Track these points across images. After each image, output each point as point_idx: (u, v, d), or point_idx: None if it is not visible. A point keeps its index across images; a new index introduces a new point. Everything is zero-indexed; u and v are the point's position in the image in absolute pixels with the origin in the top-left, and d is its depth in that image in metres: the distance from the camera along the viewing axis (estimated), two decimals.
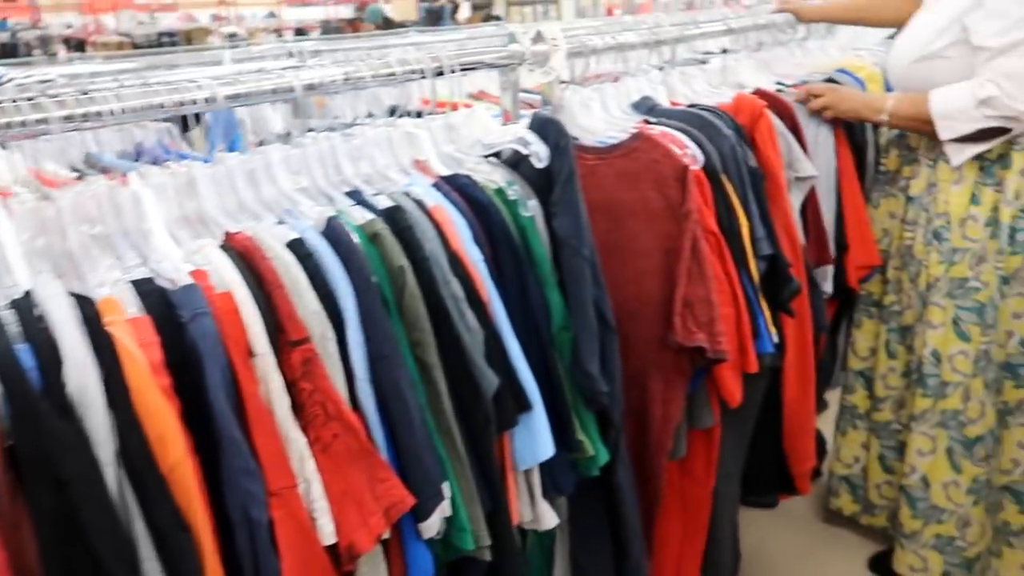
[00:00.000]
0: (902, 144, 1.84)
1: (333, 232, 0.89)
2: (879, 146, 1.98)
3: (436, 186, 1.05)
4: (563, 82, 1.37)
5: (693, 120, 1.36)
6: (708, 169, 1.28)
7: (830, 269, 1.71)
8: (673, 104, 1.55)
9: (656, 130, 1.30)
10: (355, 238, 0.89)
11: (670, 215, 1.24)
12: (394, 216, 0.95)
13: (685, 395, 1.29)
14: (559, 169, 1.10)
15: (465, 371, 0.93)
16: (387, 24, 9.93)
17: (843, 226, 1.78)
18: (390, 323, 0.88)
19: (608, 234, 1.29)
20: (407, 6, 13.70)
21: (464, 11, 16.06)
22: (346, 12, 13.14)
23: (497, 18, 13.06)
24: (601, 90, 1.43)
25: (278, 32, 11.01)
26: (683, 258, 1.21)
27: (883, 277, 1.88)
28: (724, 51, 1.97)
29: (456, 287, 0.94)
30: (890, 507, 1.94)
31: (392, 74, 1.12)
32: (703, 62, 2.25)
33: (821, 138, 1.76)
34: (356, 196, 1.01)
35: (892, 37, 1.97)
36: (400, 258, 0.91)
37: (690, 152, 1.27)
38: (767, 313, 1.33)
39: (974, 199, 1.65)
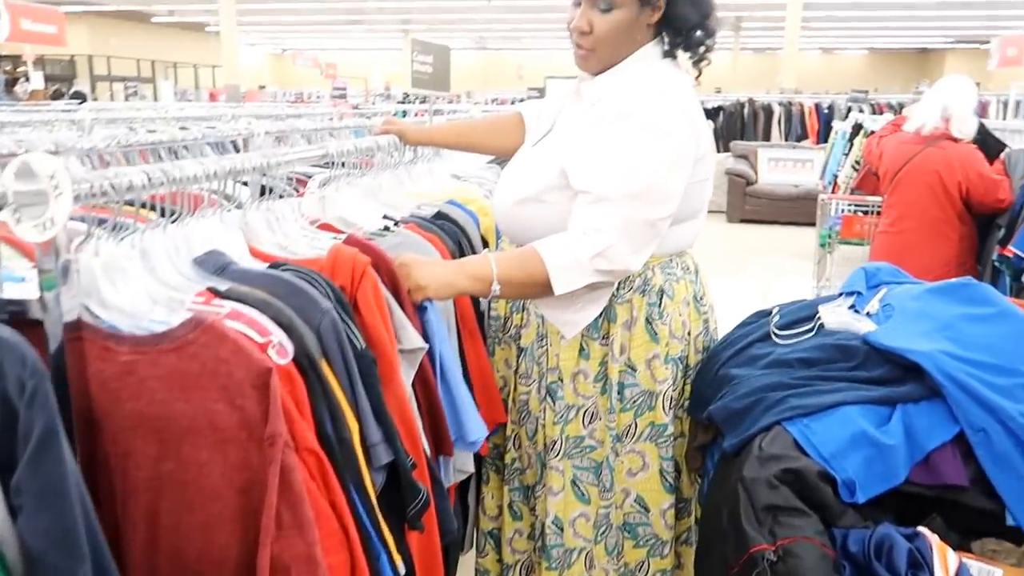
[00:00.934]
0: None
1: None
2: None
3: None
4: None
5: (280, 287, 1.01)
6: (302, 360, 0.94)
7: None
8: (255, 255, 1.19)
9: (225, 308, 0.92)
10: None
11: (247, 436, 0.86)
12: None
13: None
14: (28, 430, 0.65)
15: None
16: None
17: (468, 380, 1.56)
18: None
19: (156, 464, 0.87)
20: None
21: (35, 82, 13.88)
22: None
23: (80, 95, 11.48)
24: (146, 242, 1.01)
25: None
26: (269, 501, 0.83)
27: (503, 432, 1.70)
28: (327, 164, 1.67)
29: None
30: None
31: None
32: (299, 181, 1.96)
33: None
34: None
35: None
36: None
37: (275, 341, 0.91)
38: (390, 542, 1.01)
39: (583, 353, 1.55)
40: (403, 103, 14.51)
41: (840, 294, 1.54)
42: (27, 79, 14.16)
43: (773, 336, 1.51)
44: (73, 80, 21.45)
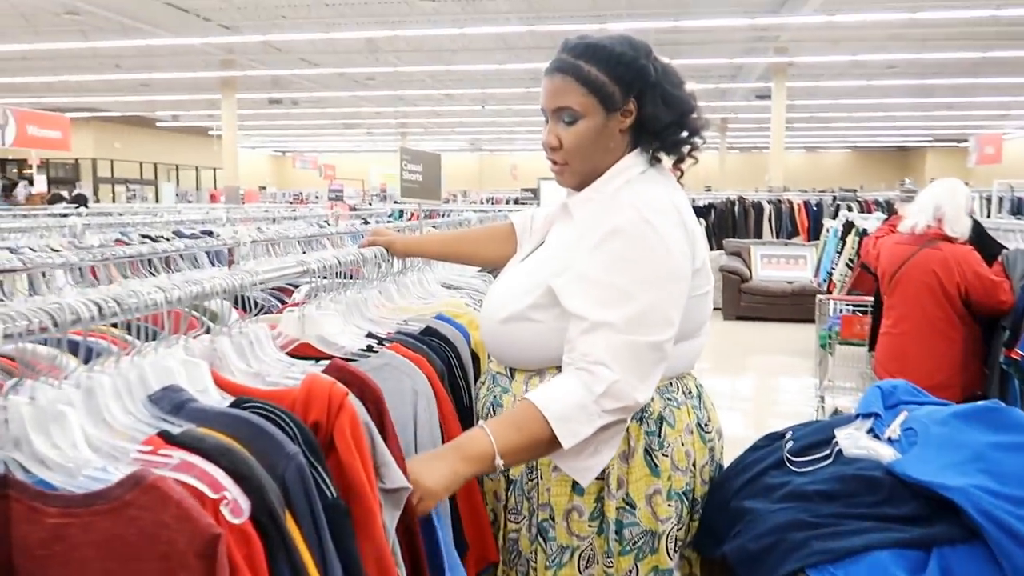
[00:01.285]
0: None
1: None
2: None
3: None
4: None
5: (241, 429, 0.90)
6: (261, 517, 0.82)
7: None
8: (223, 385, 1.08)
9: (174, 459, 0.81)
10: None
11: None
12: None
13: None
14: None
15: None
16: None
17: (458, 517, 1.43)
18: None
19: None
20: None
21: (38, 185, 14.06)
22: None
23: (82, 198, 11.62)
24: (94, 380, 0.91)
25: None
26: None
27: (493, 572, 1.55)
28: (313, 280, 1.59)
29: None
30: None
31: None
32: (282, 300, 1.87)
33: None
34: None
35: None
36: None
37: (229, 497, 0.79)
38: None
39: (576, 488, 1.41)
40: (399, 203, 14.77)
41: (856, 416, 1.43)
42: (30, 182, 14.40)
43: (788, 463, 1.39)
44: (76, 182, 21.85)
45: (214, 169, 27.16)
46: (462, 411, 1.62)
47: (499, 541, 1.51)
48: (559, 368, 1.37)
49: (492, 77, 17.39)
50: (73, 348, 1.00)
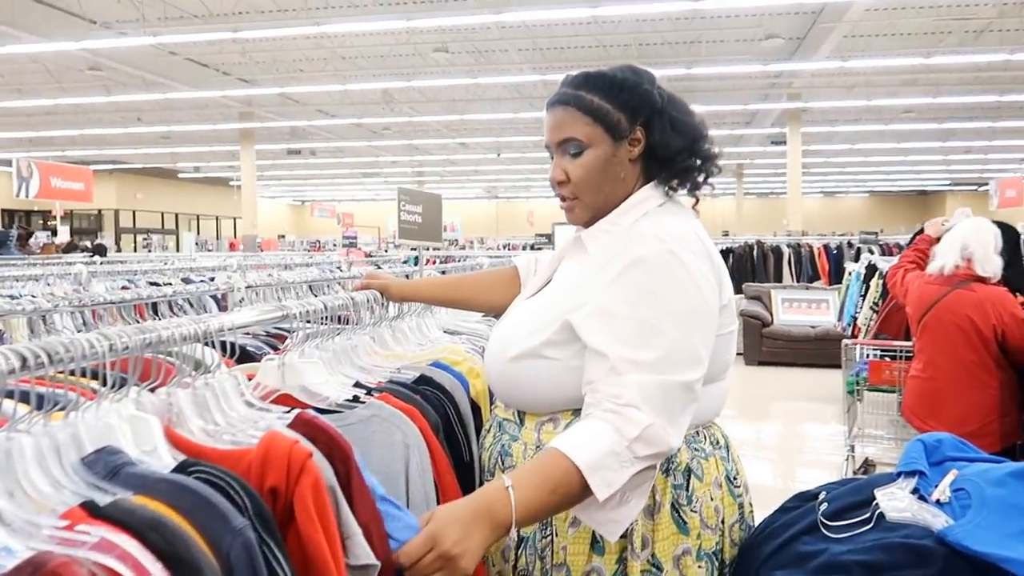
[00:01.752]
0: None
1: None
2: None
3: None
4: None
5: (183, 499, 0.77)
6: None
7: None
8: (178, 445, 0.95)
9: (92, 536, 0.68)
10: None
11: None
12: None
13: None
14: None
15: None
16: None
17: None
18: None
19: None
20: None
21: (61, 235, 14.22)
22: None
23: (101, 248, 11.70)
24: (14, 442, 0.79)
25: None
26: None
27: None
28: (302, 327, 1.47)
29: None
30: None
31: None
32: (275, 347, 1.76)
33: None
34: None
35: None
36: None
37: None
38: None
39: (596, 547, 1.26)
40: (415, 249, 14.75)
41: (898, 474, 1.27)
42: (54, 232, 14.60)
43: (822, 528, 1.23)
44: (99, 232, 22.15)
45: (234, 219, 27.48)
46: (461, 466, 1.48)
47: None
48: (574, 412, 1.25)
49: (506, 126, 17.55)
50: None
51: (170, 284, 4.47)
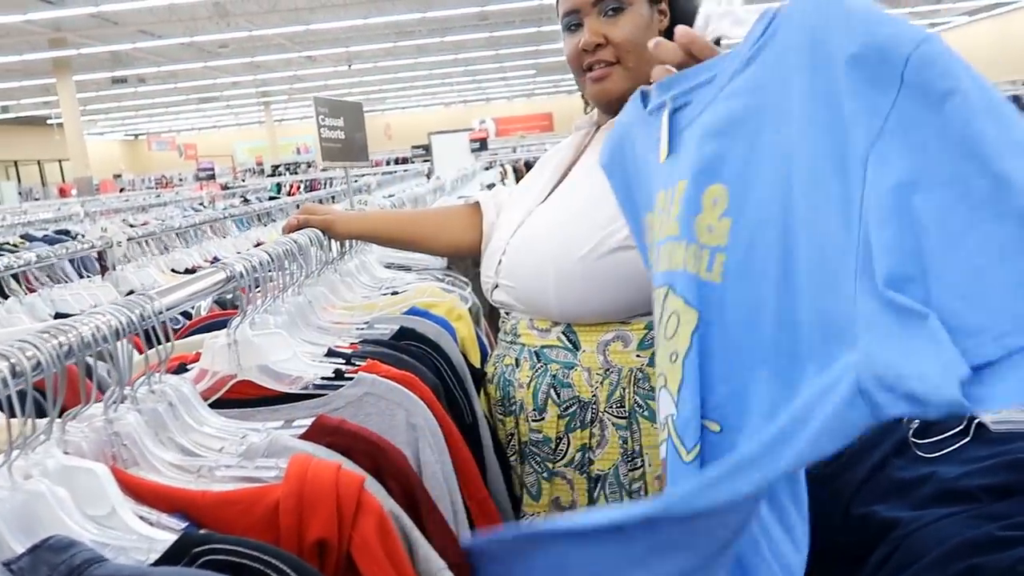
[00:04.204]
0: None
1: None
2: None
3: None
4: None
5: None
6: None
7: None
8: (140, 495, 0.64)
9: None
10: None
11: None
12: None
13: None
14: None
15: None
16: None
17: None
18: None
19: None
20: None
21: None
22: None
23: None
24: None
25: None
26: None
27: None
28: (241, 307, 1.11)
29: None
30: None
31: None
32: (186, 314, 1.40)
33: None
34: None
35: None
36: None
37: None
38: None
39: None
40: (274, 175, 13.76)
41: None
42: None
43: (914, 447, 1.08)
44: None
45: (59, 161, 24.79)
46: (463, 433, 1.23)
47: None
48: (647, 324, 1.19)
49: (355, 34, 16.47)
50: None
51: (10, 244, 3.80)
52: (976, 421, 1.05)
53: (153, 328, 0.77)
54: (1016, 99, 11.67)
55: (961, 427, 1.06)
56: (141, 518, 0.62)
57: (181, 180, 16.80)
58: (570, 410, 1.24)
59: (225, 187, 10.87)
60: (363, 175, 5.56)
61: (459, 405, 1.23)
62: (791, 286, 0.62)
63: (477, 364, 1.38)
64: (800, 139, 0.63)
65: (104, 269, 1.88)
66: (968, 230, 0.49)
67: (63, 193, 16.81)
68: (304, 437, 0.73)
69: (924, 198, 0.51)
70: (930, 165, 0.52)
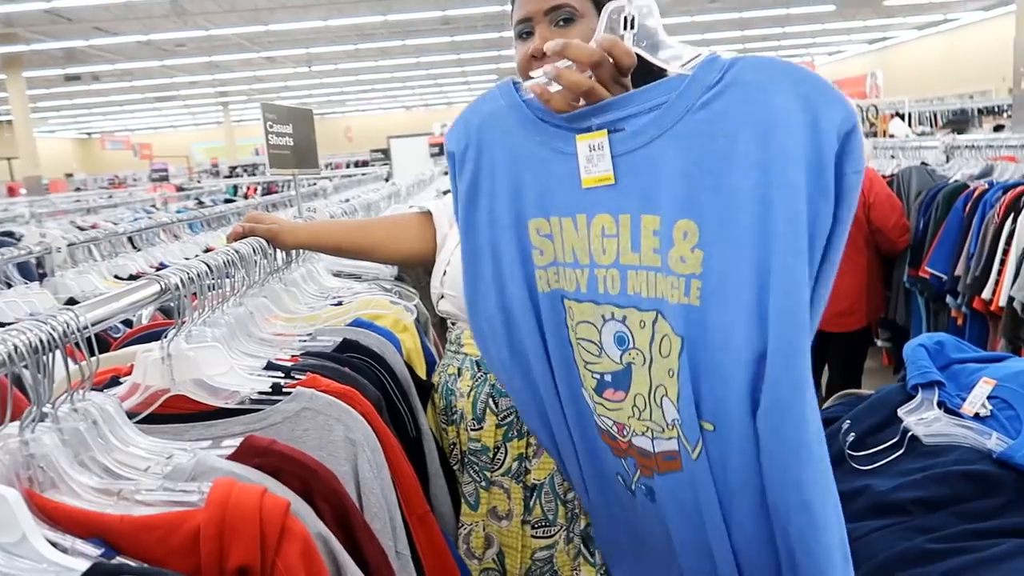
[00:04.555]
0: None
1: None
2: None
3: None
4: None
5: None
6: None
7: None
8: (55, 518, 0.62)
9: None
10: None
11: None
12: None
13: None
14: None
15: None
16: None
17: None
18: None
19: None
20: None
21: None
22: None
23: None
24: None
25: None
26: None
27: None
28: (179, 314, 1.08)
29: None
30: None
31: None
32: (128, 322, 1.37)
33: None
34: None
35: None
36: None
37: None
38: None
39: None
40: (230, 177, 13.53)
41: (913, 387, 1.16)
42: None
43: (850, 460, 1.10)
44: None
45: (8, 159, 24.05)
46: (406, 445, 1.21)
47: (517, 567, 1.19)
48: None
49: (315, 35, 16.30)
50: None
51: None
52: (910, 434, 1.07)
53: (77, 344, 0.75)
54: (962, 111, 12.00)
55: (895, 440, 1.08)
56: (55, 544, 0.60)
57: (135, 181, 16.43)
58: (508, 419, 1.24)
59: (180, 188, 10.66)
60: (319, 178, 5.48)
61: (402, 419, 1.22)
62: (762, 315, 0.76)
63: (423, 376, 1.37)
64: (771, 192, 0.75)
65: (43, 277, 1.82)
66: None
67: (12, 192, 16.31)
68: (232, 458, 0.72)
69: None
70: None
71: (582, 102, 0.88)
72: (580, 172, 0.87)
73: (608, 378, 0.93)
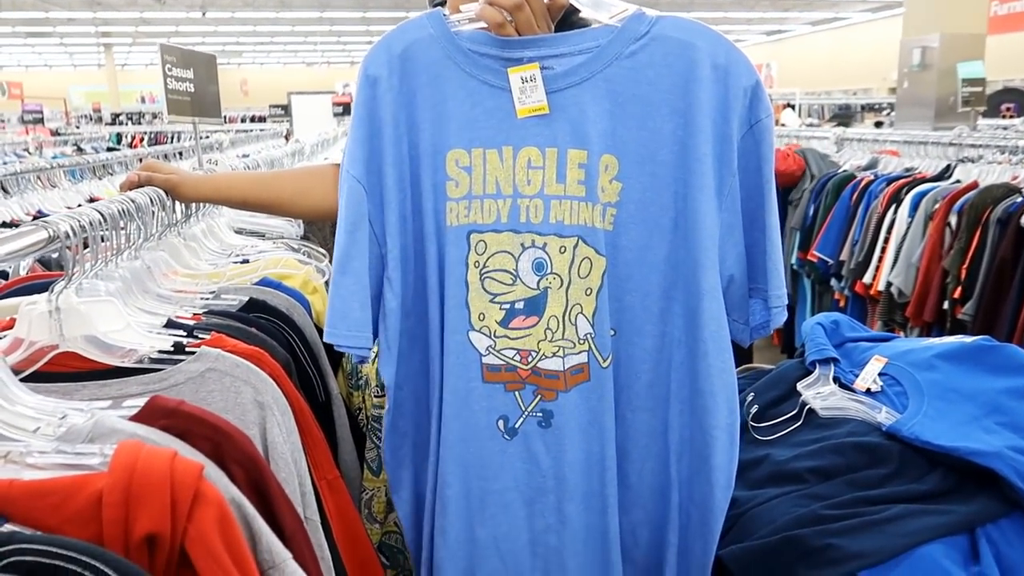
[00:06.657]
0: None
1: None
2: None
3: None
4: None
5: None
6: None
7: None
8: None
9: None
10: None
11: None
12: None
13: None
14: None
15: None
16: None
17: (334, 547, 1.01)
18: None
19: None
20: None
21: None
22: None
23: None
24: None
25: None
26: None
27: None
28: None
29: None
30: None
31: None
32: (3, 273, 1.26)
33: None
34: None
35: None
36: None
37: None
38: None
39: None
40: (114, 124, 12.65)
41: (811, 363, 1.21)
42: None
43: (752, 431, 1.14)
44: None
45: None
46: (316, 410, 1.18)
47: None
48: None
49: None
50: None
51: None
52: (807, 407, 1.12)
53: None
54: (847, 107, 12.67)
55: (794, 412, 1.13)
56: None
57: (3, 122, 15.15)
58: None
59: (56, 133, 9.90)
60: (215, 131, 5.21)
61: (312, 382, 1.18)
62: (677, 233, 0.94)
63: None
64: (688, 135, 0.90)
65: None
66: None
67: None
68: (136, 419, 0.67)
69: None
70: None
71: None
72: (515, 103, 0.93)
73: (520, 305, 0.98)
